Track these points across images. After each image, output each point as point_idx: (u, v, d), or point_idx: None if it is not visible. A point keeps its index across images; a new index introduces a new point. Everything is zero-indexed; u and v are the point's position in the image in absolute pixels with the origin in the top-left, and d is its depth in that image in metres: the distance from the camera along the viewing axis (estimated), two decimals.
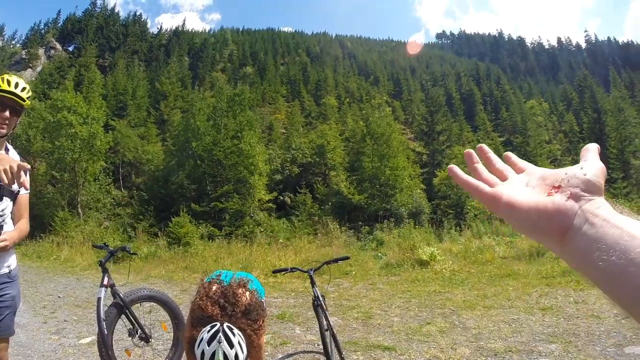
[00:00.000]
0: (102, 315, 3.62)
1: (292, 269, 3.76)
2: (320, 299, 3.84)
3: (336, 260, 4.21)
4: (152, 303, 4.16)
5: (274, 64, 78.85)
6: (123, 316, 3.82)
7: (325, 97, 59.48)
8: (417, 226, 19.28)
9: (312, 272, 3.95)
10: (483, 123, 60.65)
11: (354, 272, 9.86)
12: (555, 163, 45.14)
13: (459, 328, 5.23)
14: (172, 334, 4.28)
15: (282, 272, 3.76)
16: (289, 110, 55.40)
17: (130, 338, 3.91)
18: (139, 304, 4.01)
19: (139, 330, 3.92)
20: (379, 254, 12.50)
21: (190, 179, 26.83)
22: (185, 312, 5.73)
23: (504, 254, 11.26)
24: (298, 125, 47.93)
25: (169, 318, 4.25)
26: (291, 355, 4.49)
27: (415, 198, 28.15)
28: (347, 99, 60.98)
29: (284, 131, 46.09)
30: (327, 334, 3.70)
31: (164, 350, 4.48)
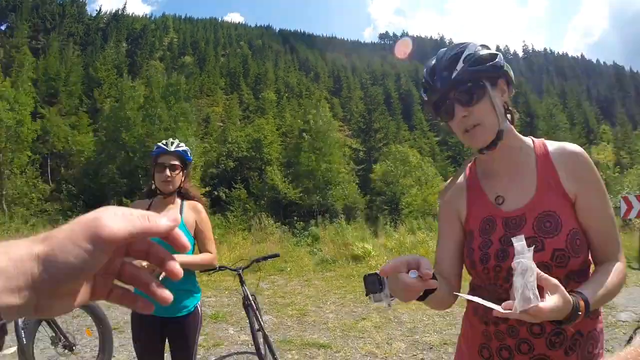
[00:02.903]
0: (20, 324, 3.31)
1: (220, 268, 3.52)
2: (251, 298, 3.66)
3: (265, 258, 4.08)
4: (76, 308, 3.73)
5: (215, 55, 76.60)
6: (44, 323, 3.50)
7: (264, 91, 58.66)
8: (352, 222, 19.48)
9: (240, 271, 3.74)
10: (420, 122, 62.68)
11: (289, 269, 9.70)
12: None
13: (394, 323, 5.23)
14: (98, 340, 3.88)
15: (210, 272, 3.49)
16: (227, 103, 54.03)
17: (53, 347, 3.58)
18: None
19: (62, 338, 3.60)
20: (314, 250, 12.43)
21: (122, 172, 25.33)
22: (115, 314, 5.31)
23: None
24: (235, 118, 46.90)
25: (93, 323, 3.88)
26: (224, 357, 4.25)
27: (351, 194, 28.55)
28: (287, 94, 60.52)
29: (221, 124, 44.89)
30: (259, 334, 3.53)
31: (92, 357, 4.07)
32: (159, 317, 2.38)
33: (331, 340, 4.61)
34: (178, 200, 2.56)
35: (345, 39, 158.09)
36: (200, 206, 2.59)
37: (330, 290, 7.50)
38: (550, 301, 0.91)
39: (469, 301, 1.27)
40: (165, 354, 2.53)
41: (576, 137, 50.37)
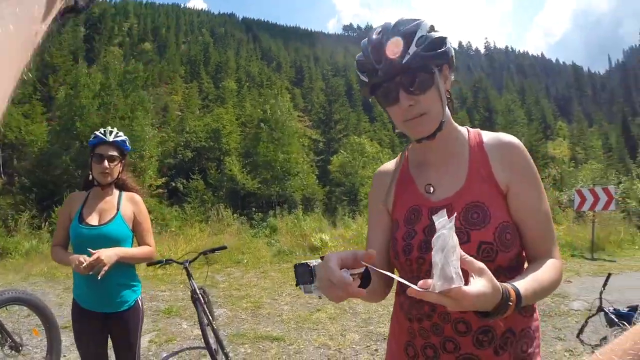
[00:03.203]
0: None
1: (167, 261, 3.44)
2: (198, 291, 3.61)
3: (213, 251, 4.03)
4: (22, 306, 3.64)
5: (176, 42, 74.37)
6: None
7: (225, 80, 57.56)
8: (310, 212, 19.53)
9: (187, 264, 3.67)
10: (381, 114, 63.26)
11: (245, 261, 9.61)
12: None
13: (349, 314, 5.28)
14: (46, 339, 3.71)
15: (157, 265, 3.41)
16: (186, 92, 52.59)
17: None
18: (4, 308, 3.42)
19: (8, 339, 3.45)
20: (272, 241, 12.38)
21: (76, 163, 24.17)
22: (66, 312, 5.00)
23: None
24: (194, 107, 45.83)
25: (40, 322, 3.71)
26: (176, 352, 4.16)
27: (309, 184, 28.61)
28: (248, 84, 59.67)
29: (179, 113, 43.67)
30: (209, 328, 3.49)
31: (42, 358, 3.88)
32: (100, 313, 2.33)
33: (285, 332, 4.60)
34: (116, 192, 2.50)
35: (309, 30, 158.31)
36: (138, 197, 2.53)
37: (287, 281, 7.49)
38: (476, 285, 0.81)
39: (396, 297, 1.24)
40: (111, 351, 2.46)
41: (533, 133, 52.64)
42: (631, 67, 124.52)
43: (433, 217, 0.88)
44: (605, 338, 3.63)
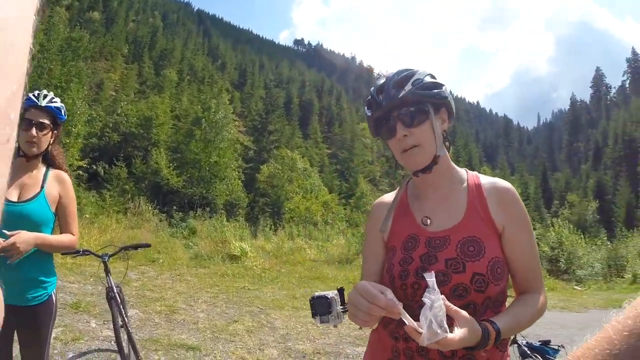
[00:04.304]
0: None
1: (85, 252, 3.16)
2: (115, 290, 3.35)
3: (136, 247, 3.77)
4: None
5: (125, 18, 70.19)
6: None
7: (167, 68, 55.30)
8: (232, 219, 19.21)
9: (107, 258, 3.43)
10: (315, 133, 64.28)
11: (161, 260, 9.24)
12: (373, 183, 50.80)
13: (267, 328, 5.24)
14: None
15: (73, 255, 3.12)
16: (125, 72, 49.66)
17: None
18: None
19: None
20: (190, 243, 12.03)
21: None
22: None
23: (315, 257, 11.92)
24: (130, 90, 43.32)
25: None
26: (84, 353, 3.81)
27: (235, 190, 28.15)
28: (189, 77, 57.81)
29: (113, 93, 41.02)
30: (122, 330, 3.27)
31: None
32: (9, 305, 1.96)
33: (201, 342, 4.45)
34: (42, 167, 2.18)
35: (261, 36, 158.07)
36: (66, 176, 2.23)
37: (203, 288, 7.30)
38: (459, 333, 0.97)
39: None
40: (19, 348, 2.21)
41: None
42: (557, 128, 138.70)
43: (425, 274, 1.00)
44: None
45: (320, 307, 1.07)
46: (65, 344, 3.96)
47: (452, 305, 1.01)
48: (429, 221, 1.24)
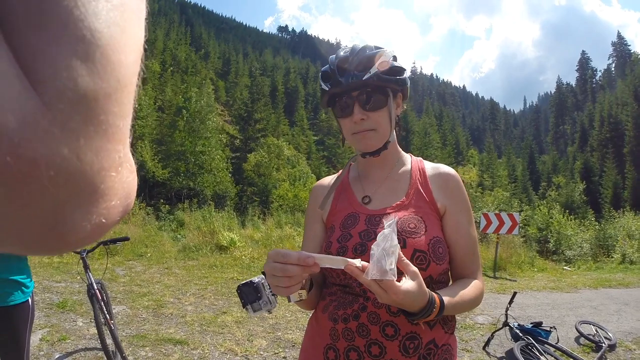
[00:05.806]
0: None
1: None
2: (96, 286, 3.35)
3: (114, 241, 3.80)
4: None
5: None
6: None
7: (149, 59, 54.37)
8: (220, 210, 19.13)
9: (84, 254, 3.43)
10: (301, 120, 64.00)
11: (149, 254, 9.17)
12: None
13: (255, 318, 5.20)
14: None
15: None
16: None
17: None
18: None
19: None
20: (178, 236, 11.96)
21: None
22: None
23: None
24: None
25: None
26: (70, 353, 3.78)
27: (222, 181, 27.98)
28: (172, 67, 56.95)
29: None
30: (105, 328, 3.26)
31: None
32: None
33: (189, 335, 4.44)
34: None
35: (245, 24, 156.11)
36: None
37: (191, 280, 7.26)
38: (406, 283, 0.93)
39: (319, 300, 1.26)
40: None
41: (446, 157, 56.45)
42: (543, 111, 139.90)
43: (383, 219, 0.99)
44: (510, 350, 4.02)
45: (250, 295, 1.01)
46: (51, 344, 3.92)
47: (404, 258, 0.96)
48: (368, 200, 1.24)
